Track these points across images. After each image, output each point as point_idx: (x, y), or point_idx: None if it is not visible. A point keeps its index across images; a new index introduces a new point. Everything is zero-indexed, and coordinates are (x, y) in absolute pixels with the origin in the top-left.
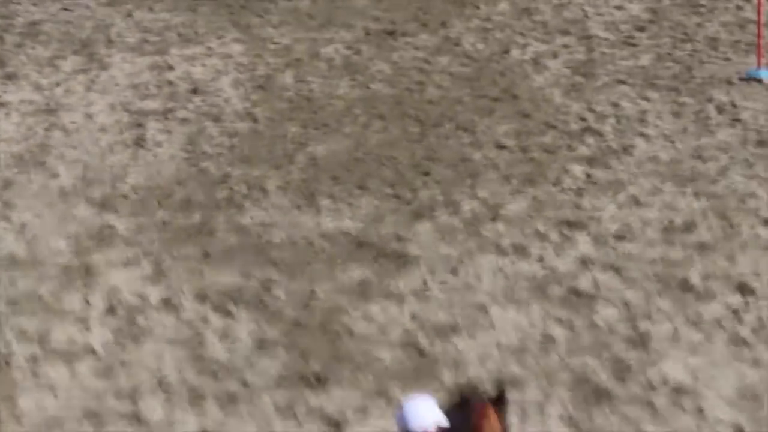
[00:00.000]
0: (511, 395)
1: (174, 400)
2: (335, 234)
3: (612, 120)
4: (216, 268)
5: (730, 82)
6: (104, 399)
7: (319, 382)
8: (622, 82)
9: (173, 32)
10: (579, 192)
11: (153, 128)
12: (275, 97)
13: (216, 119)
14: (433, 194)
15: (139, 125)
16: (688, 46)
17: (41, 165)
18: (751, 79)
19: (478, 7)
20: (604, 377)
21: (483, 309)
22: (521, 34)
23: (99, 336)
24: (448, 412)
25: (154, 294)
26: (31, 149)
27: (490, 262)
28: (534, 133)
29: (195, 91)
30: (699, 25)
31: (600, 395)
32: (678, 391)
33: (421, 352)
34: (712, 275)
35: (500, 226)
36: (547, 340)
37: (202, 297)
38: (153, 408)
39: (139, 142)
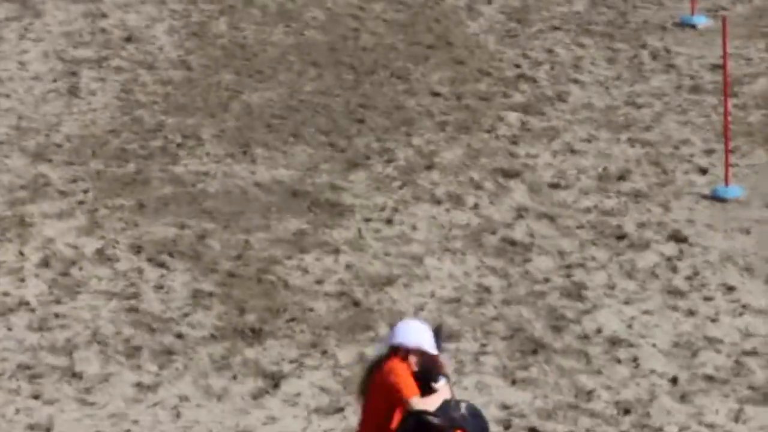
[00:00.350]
0: (447, 343)
1: (109, 353)
2: (270, 183)
3: (546, 66)
4: (150, 219)
5: (664, 28)
6: (39, 353)
7: (254, 333)
8: (557, 28)
9: None
10: (514, 139)
11: (87, 77)
12: (209, 44)
13: (150, 67)
14: (368, 142)
15: (73, 74)
16: None
17: None
18: (685, 24)
19: None
20: (539, 328)
21: (418, 259)
22: None
23: (33, 288)
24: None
25: (89, 245)
26: None
27: (425, 212)
28: (468, 81)
29: (129, 39)
30: None
31: (535, 346)
32: (613, 341)
33: (357, 303)
34: (647, 224)
35: (435, 175)
36: (483, 290)
37: (136, 248)
38: (88, 361)
39: (73, 91)
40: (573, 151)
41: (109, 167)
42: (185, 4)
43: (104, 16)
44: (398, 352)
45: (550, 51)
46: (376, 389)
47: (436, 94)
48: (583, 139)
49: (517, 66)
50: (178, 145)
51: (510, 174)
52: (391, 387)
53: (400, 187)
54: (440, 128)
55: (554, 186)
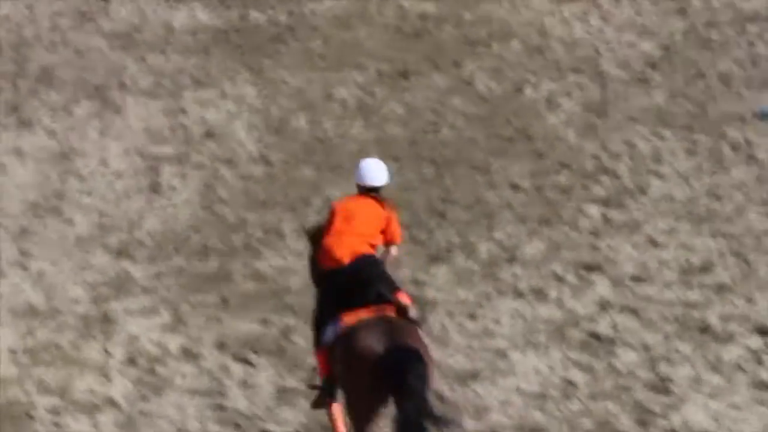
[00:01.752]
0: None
1: None
2: None
3: (626, 159)
4: (234, 315)
5: (743, 120)
6: None
7: None
8: (636, 120)
9: (186, 75)
10: (595, 233)
11: (168, 173)
12: (289, 139)
13: (230, 163)
14: (449, 236)
15: (154, 170)
16: (701, 83)
17: (57, 212)
18: (765, 116)
19: (490, 46)
20: (626, 423)
21: (502, 353)
22: (534, 72)
23: (120, 387)
24: None
25: (174, 343)
26: (46, 196)
27: (508, 306)
28: (548, 173)
29: (209, 135)
30: (711, 61)
31: None
32: None
33: (441, 398)
34: (731, 317)
35: (517, 269)
36: (568, 385)
37: (221, 345)
38: None
39: (154, 188)
40: (654, 244)
41: (192, 264)
42: (264, 99)
43: (184, 112)
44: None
45: (629, 143)
46: (371, 212)
47: (517, 187)
48: (664, 232)
49: (597, 158)
50: (260, 241)
51: (592, 267)
52: (389, 218)
53: (483, 282)
54: (521, 221)
55: (637, 279)
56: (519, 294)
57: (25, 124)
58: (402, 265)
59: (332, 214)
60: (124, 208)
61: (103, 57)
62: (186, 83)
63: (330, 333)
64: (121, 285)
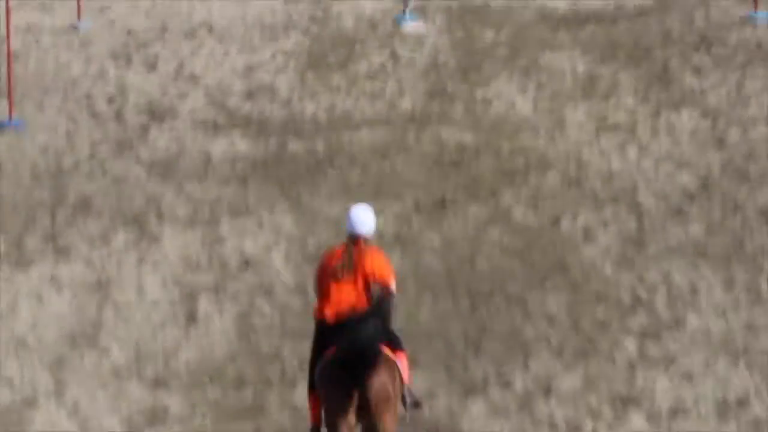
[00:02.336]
0: None
1: None
2: None
3: (663, 292)
4: None
5: None
6: None
7: None
8: (673, 252)
9: (224, 204)
10: (631, 366)
11: (204, 303)
12: None
13: (267, 293)
14: (485, 368)
15: (191, 300)
16: (739, 216)
17: (93, 342)
18: None
19: (527, 177)
20: None
21: None
22: (571, 204)
23: None
24: None
25: None
26: (83, 326)
27: None
28: (585, 306)
29: (246, 265)
30: (749, 194)
31: None
32: None
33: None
34: None
35: (553, 403)
36: None
37: None
38: None
39: (191, 318)
40: (691, 378)
41: (228, 396)
42: (302, 230)
43: (221, 241)
44: (364, 239)
45: (666, 276)
46: (368, 263)
47: (553, 320)
48: (700, 366)
49: (634, 291)
50: (296, 372)
51: (628, 401)
52: (384, 264)
53: (519, 416)
54: (557, 354)
55: (673, 413)
56: (554, 427)
57: (62, 253)
58: (436, 395)
59: (325, 267)
60: (160, 339)
61: (141, 185)
62: (223, 212)
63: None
64: (156, 416)
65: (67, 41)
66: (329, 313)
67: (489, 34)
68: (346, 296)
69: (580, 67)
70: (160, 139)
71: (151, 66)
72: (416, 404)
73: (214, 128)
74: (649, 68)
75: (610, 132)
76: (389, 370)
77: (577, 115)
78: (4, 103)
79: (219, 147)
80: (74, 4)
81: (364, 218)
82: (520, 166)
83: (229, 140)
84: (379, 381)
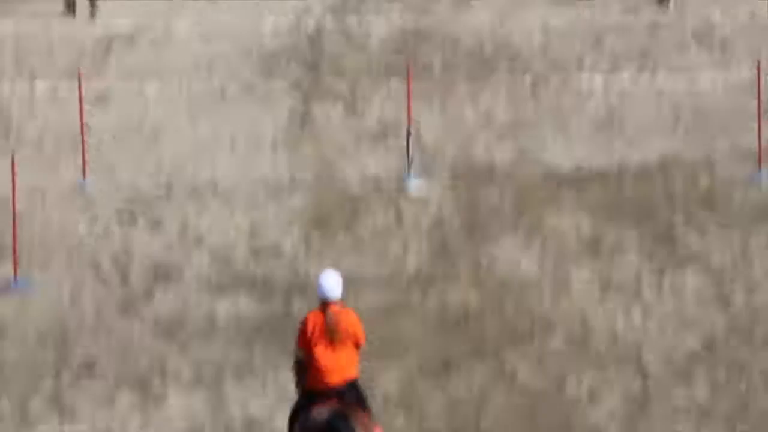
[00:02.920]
0: None
1: None
2: None
3: None
4: None
5: None
6: None
7: None
8: (678, 414)
9: (228, 365)
10: None
11: None
12: None
13: None
14: None
15: None
16: (744, 378)
17: None
18: None
19: (532, 338)
20: None
21: None
22: (576, 365)
23: None
24: None
25: None
26: None
27: None
28: None
29: (250, 427)
30: (754, 356)
31: None
32: None
33: None
34: None
35: None
36: None
37: None
38: None
39: None
40: None
41: None
42: None
43: (225, 403)
44: (335, 303)
45: None
46: (347, 329)
47: None
48: None
49: None
50: None
51: None
52: (359, 325)
53: None
54: None
55: None
56: None
57: (66, 414)
58: None
59: (309, 333)
60: None
61: (146, 346)
62: (228, 373)
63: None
64: None
65: (71, 201)
66: (320, 380)
67: (493, 194)
68: (334, 360)
69: (585, 227)
70: (165, 300)
71: (156, 226)
72: None
73: (218, 289)
74: (653, 228)
75: (615, 292)
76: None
77: (581, 274)
78: (9, 263)
79: (224, 307)
80: (79, 162)
81: (333, 284)
82: (525, 326)
83: (234, 300)
84: None
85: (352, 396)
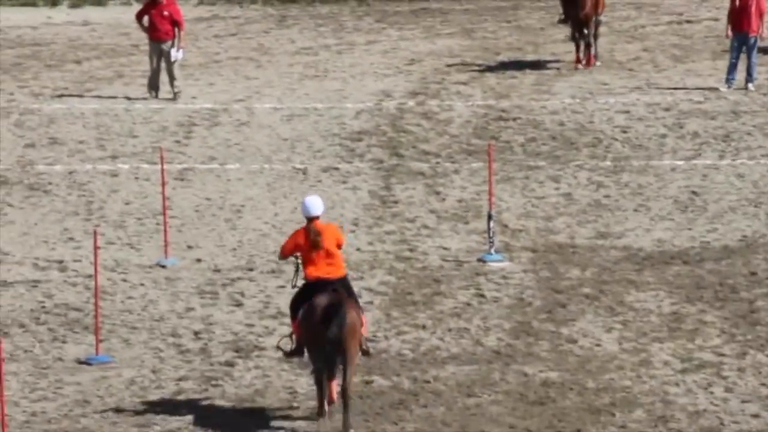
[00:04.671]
0: None
1: None
2: None
3: None
4: None
5: None
6: None
7: None
8: None
9: None
10: None
11: None
12: None
13: None
14: None
15: None
16: None
17: None
18: None
19: (613, 414)
20: None
21: None
22: None
23: None
24: None
25: None
26: None
27: None
28: None
29: None
30: None
31: None
32: None
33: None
34: None
35: None
36: None
37: None
38: None
39: None
40: None
41: None
42: None
43: None
44: (317, 218)
45: None
46: (329, 236)
47: None
48: None
49: None
50: None
51: None
52: (339, 233)
53: None
54: None
55: None
56: None
57: None
58: None
59: (298, 243)
60: None
61: (227, 421)
62: None
63: (300, 311)
64: None
65: (153, 278)
66: (312, 275)
67: (574, 273)
68: (322, 261)
69: (666, 306)
70: (247, 375)
71: (237, 303)
72: (365, 352)
73: (299, 364)
74: (735, 308)
75: (696, 370)
76: (357, 314)
77: (663, 352)
78: (91, 338)
79: (303, 382)
80: (161, 242)
81: (315, 203)
82: (605, 403)
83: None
84: (351, 318)
85: (343, 288)
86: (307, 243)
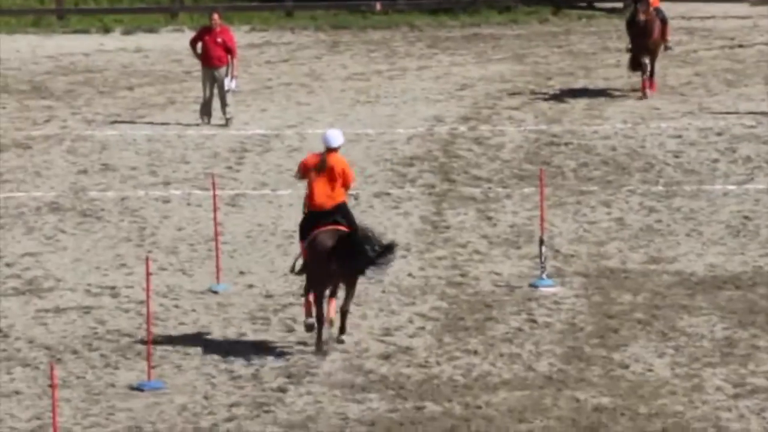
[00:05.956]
0: None
1: None
2: None
3: None
4: None
5: None
6: None
7: None
8: None
9: None
10: None
11: None
12: None
13: None
14: None
15: None
16: None
17: None
18: None
19: None
20: None
21: None
22: None
23: None
24: None
25: None
26: None
27: None
28: None
29: None
30: None
31: None
32: None
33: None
34: None
35: None
36: None
37: None
38: None
39: None
40: None
41: None
42: None
43: None
44: (337, 150)
45: None
46: (334, 166)
47: None
48: None
49: None
50: None
51: None
52: (347, 167)
53: None
54: None
55: None
56: None
57: None
58: None
59: (307, 163)
60: None
61: None
62: None
63: (307, 238)
64: None
65: (205, 304)
66: (314, 203)
67: (626, 298)
68: (324, 188)
69: (718, 331)
70: (298, 402)
71: (289, 328)
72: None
73: (350, 390)
74: None
75: (749, 395)
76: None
77: (715, 378)
78: (143, 364)
79: (355, 409)
80: (213, 268)
81: (333, 135)
82: (657, 429)
83: (366, 401)
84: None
85: (341, 215)
86: (315, 164)
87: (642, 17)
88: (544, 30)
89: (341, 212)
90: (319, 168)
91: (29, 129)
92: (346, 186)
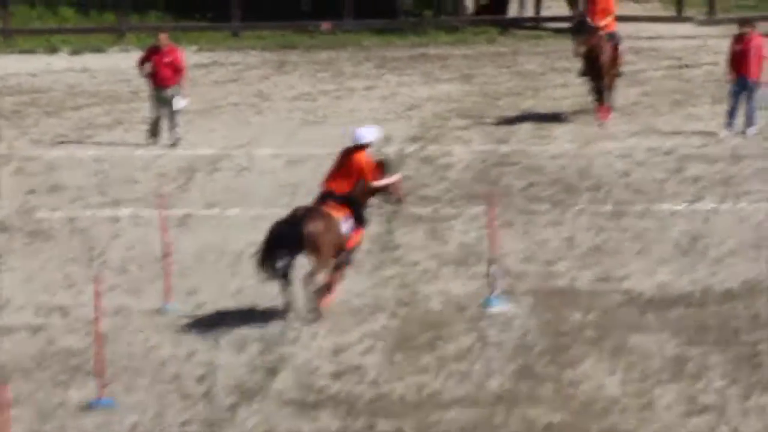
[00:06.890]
0: None
1: None
2: None
3: None
4: None
5: None
6: None
7: None
8: None
9: None
10: None
11: None
12: None
13: None
14: None
15: None
16: None
17: None
18: None
19: None
20: None
21: None
22: None
23: None
24: None
25: None
26: None
27: None
28: None
29: None
30: None
31: None
32: None
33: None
34: None
35: None
36: None
37: None
38: None
39: None
40: None
41: None
42: None
43: None
44: (364, 147)
45: None
46: (354, 161)
47: None
48: None
49: None
50: None
51: None
52: (364, 166)
53: None
54: None
55: None
56: None
57: None
58: None
59: (338, 156)
60: None
61: None
62: None
63: None
64: None
65: (155, 323)
66: (324, 186)
67: (577, 316)
68: (337, 176)
69: (669, 350)
70: (250, 420)
71: (240, 347)
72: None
73: (301, 408)
74: (738, 351)
75: (700, 413)
76: (326, 224)
77: (666, 396)
78: (93, 383)
79: (307, 427)
80: (163, 287)
81: (363, 133)
82: None
83: (317, 420)
84: (310, 229)
85: (342, 202)
86: (337, 159)
87: (581, 49)
88: (491, 50)
89: (342, 199)
90: (339, 163)
91: None
92: (365, 180)
